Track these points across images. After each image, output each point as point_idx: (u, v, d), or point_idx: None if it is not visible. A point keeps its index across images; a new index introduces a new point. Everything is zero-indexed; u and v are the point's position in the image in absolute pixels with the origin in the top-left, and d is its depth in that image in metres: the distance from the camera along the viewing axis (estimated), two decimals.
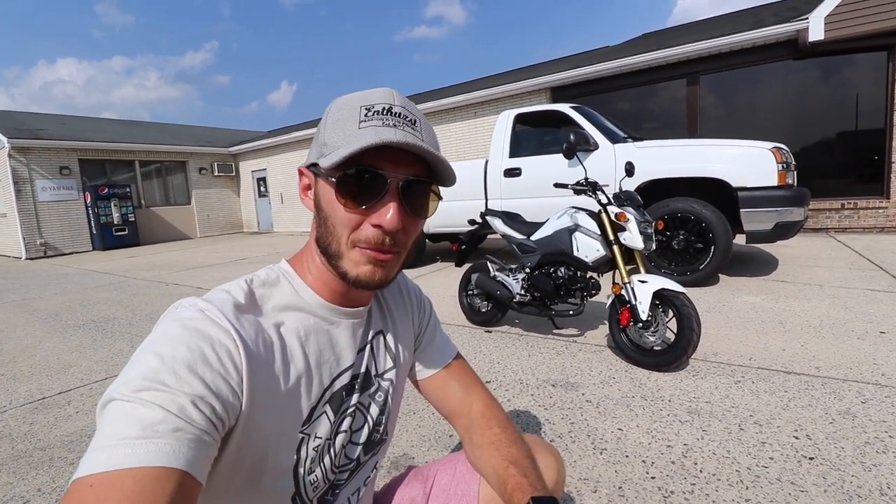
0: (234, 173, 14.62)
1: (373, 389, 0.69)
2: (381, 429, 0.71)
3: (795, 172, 4.00)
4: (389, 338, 0.72)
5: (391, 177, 0.53)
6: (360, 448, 0.67)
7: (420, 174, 0.56)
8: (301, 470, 0.58)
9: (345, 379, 0.63)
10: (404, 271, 0.72)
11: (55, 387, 2.49)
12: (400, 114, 0.54)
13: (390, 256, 0.57)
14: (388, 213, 0.53)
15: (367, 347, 0.68)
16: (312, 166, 0.58)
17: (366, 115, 0.53)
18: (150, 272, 6.77)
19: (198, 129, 17.60)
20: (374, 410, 0.69)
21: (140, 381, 0.43)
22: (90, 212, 11.15)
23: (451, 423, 0.78)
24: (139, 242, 11.71)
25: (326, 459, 0.61)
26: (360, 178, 0.53)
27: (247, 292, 0.57)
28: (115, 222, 11.23)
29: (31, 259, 10.28)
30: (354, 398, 0.65)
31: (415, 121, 0.55)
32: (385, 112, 0.53)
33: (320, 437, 0.60)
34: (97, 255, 10.37)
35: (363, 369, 0.67)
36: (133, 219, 11.59)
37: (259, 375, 0.51)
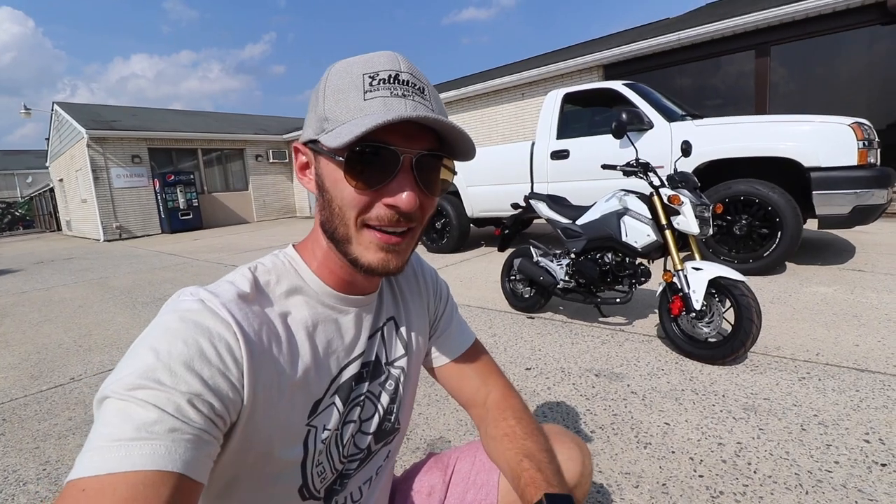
0: (287, 160, 15.13)
1: (383, 378, 0.66)
2: (393, 418, 0.69)
3: (879, 150, 3.60)
4: (402, 324, 0.70)
5: (404, 152, 0.49)
6: (370, 437, 0.65)
7: (433, 148, 0.52)
8: (308, 462, 0.56)
9: (353, 368, 0.61)
10: (437, 255, 0.69)
11: None
12: (408, 81, 0.49)
13: (402, 239, 0.53)
14: (404, 192, 0.49)
15: (378, 335, 0.66)
16: (311, 143, 0.53)
17: (370, 85, 0.48)
18: (212, 254, 7.17)
19: (254, 117, 18.31)
20: (384, 399, 0.66)
21: (134, 378, 0.41)
22: (158, 197, 11.94)
23: (467, 411, 0.76)
24: (202, 226, 12.43)
25: (334, 450, 0.60)
26: (370, 155, 0.48)
27: (251, 281, 0.54)
28: (181, 207, 11.97)
29: (108, 241, 11.17)
30: (364, 387, 0.63)
31: (423, 88, 0.50)
32: (392, 80, 0.48)
33: (329, 429, 0.58)
34: (165, 237, 11.12)
35: (373, 357, 0.65)
36: (197, 204, 12.30)
37: (261, 369, 0.49)
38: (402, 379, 0.69)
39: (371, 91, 0.48)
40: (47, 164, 18.10)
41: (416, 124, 0.49)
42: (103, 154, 11.27)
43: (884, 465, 1.34)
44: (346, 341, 0.60)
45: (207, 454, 0.43)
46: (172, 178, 11.88)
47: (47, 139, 16.23)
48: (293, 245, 0.62)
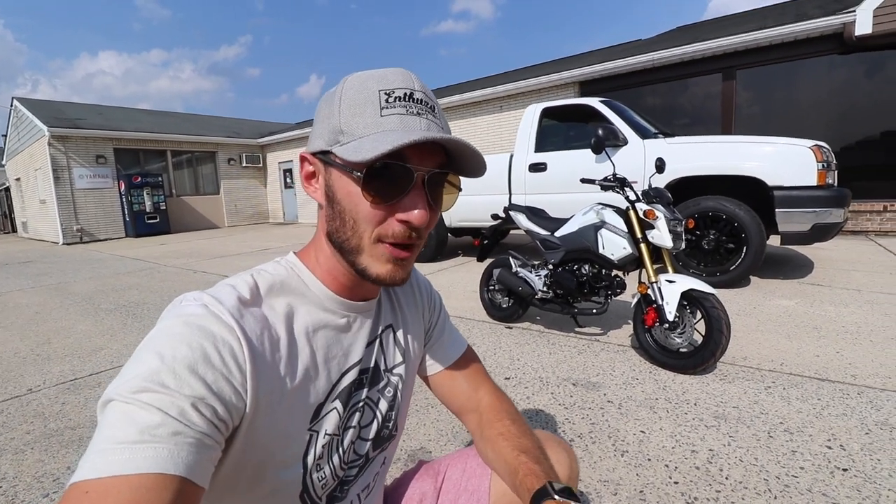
0: (261, 164, 14.88)
1: (382, 384, 0.67)
2: (391, 424, 0.69)
3: (836, 172, 3.82)
4: (399, 332, 0.71)
5: (418, 170, 0.51)
6: (368, 444, 0.66)
7: (442, 164, 0.54)
8: (309, 468, 0.56)
9: (353, 374, 0.62)
10: (419, 267, 0.71)
11: (86, 368, 2.58)
12: (421, 100, 0.51)
13: (410, 254, 0.55)
14: (416, 209, 0.51)
15: (377, 342, 0.66)
16: (321, 153, 0.54)
17: (387, 101, 0.50)
18: (180, 259, 6.96)
19: (227, 120, 17.97)
20: (383, 405, 0.67)
21: (139, 381, 0.41)
22: (123, 199, 11.54)
23: (460, 419, 0.77)
24: (170, 230, 12.07)
25: (335, 456, 0.60)
26: (387, 171, 0.49)
27: (252, 286, 0.54)
28: (148, 210, 11.59)
29: (68, 244, 10.70)
30: (363, 393, 0.64)
31: (434, 107, 0.53)
32: (407, 98, 0.50)
33: (329, 434, 0.58)
34: (130, 241, 10.72)
35: (372, 364, 0.65)
36: (164, 207, 11.94)
37: (264, 374, 0.49)
38: (399, 386, 0.70)
39: (388, 108, 0.50)
40: (3, 162, 17.27)
41: (430, 142, 0.51)
42: (65, 153, 10.83)
43: (845, 469, 1.41)
44: (345, 347, 0.61)
45: (210, 458, 0.43)
46: (139, 179, 11.50)
47: (4, 136, 15.50)
48: (294, 252, 0.62)
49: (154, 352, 0.44)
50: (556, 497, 0.54)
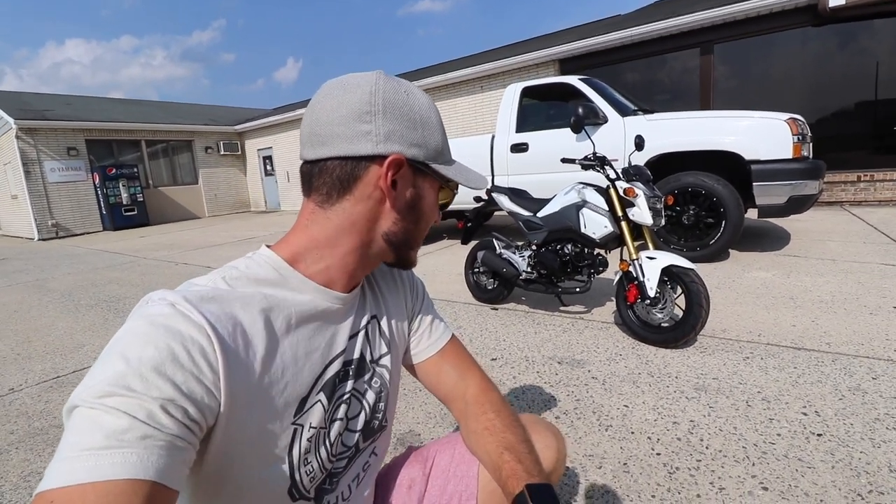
0: (239, 152, 14.56)
1: (368, 375, 0.67)
2: (381, 415, 0.70)
3: (811, 144, 3.88)
4: (384, 322, 0.71)
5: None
6: (357, 435, 0.66)
7: None
8: (295, 462, 0.56)
9: (336, 366, 0.61)
10: None
11: (69, 366, 2.54)
12: None
13: None
14: (439, 215, 0.66)
15: (362, 333, 0.66)
16: (420, 164, 0.59)
17: (443, 132, 0.62)
18: (160, 252, 6.84)
19: (203, 107, 17.49)
20: (370, 396, 0.67)
21: (104, 386, 0.40)
22: (99, 192, 11.22)
23: (447, 406, 0.77)
24: (149, 222, 11.80)
25: (322, 449, 0.60)
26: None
27: (222, 282, 0.53)
28: (124, 202, 11.30)
29: (44, 240, 10.42)
30: (349, 385, 0.64)
31: None
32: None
33: (314, 427, 0.58)
34: (108, 235, 10.49)
35: (357, 355, 0.65)
36: (142, 199, 11.65)
37: (238, 371, 0.48)
38: (386, 376, 0.70)
39: (445, 135, 0.64)
40: None
41: None
42: (35, 146, 10.46)
43: (819, 435, 1.47)
44: (327, 338, 0.60)
45: (182, 461, 0.42)
46: (114, 171, 11.16)
47: None
48: (266, 245, 0.60)
49: (119, 354, 0.42)
50: None
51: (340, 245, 0.58)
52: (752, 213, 4.02)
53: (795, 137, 3.51)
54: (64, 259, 6.88)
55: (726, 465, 1.36)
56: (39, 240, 10.43)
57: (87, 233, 11.23)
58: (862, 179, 6.19)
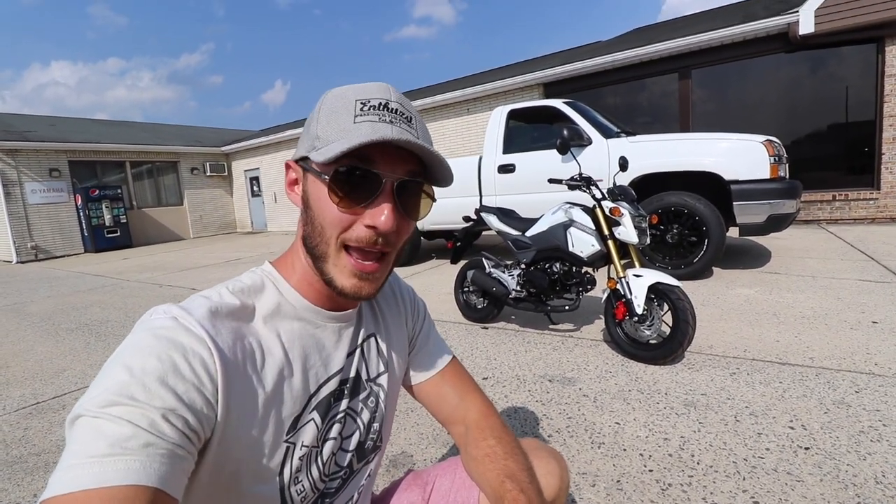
0: (226, 173, 14.51)
1: (364, 395, 0.66)
2: (376, 436, 0.69)
3: (787, 165, 4.02)
4: (381, 341, 0.70)
5: (386, 176, 0.52)
6: (351, 455, 0.65)
7: (415, 174, 0.55)
8: (286, 480, 0.56)
9: (332, 385, 0.61)
10: (398, 272, 0.71)
11: (49, 391, 2.47)
12: (396, 110, 0.53)
13: (378, 266, 0.55)
14: (383, 214, 0.51)
15: (358, 351, 0.66)
16: (302, 160, 0.55)
17: (361, 110, 0.51)
18: (144, 274, 6.72)
19: (189, 128, 17.45)
20: (365, 416, 0.66)
21: (108, 395, 0.41)
22: (81, 214, 11.04)
23: (447, 429, 0.75)
24: (132, 244, 11.62)
25: (314, 468, 0.59)
26: (354, 175, 0.51)
27: (226, 297, 0.54)
28: (107, 224, 11.13)
29: (22, 262, 10.17)
30: (344, 404, 0.63)
31: (410, 118, 0.54)
32: (381, 107, 0.52)
33: (307, 446, 0.57)
34: (89, 257, 10.28)
35: (353, 374, 0.65)
36: (125, 220, 11.49)
37: (236, 385, 0.49)
38: (382, 396, 0.69)
39: (361, 115, 0.51)
40: None
41: (401, 150, 0.52)
42: (16, 167, 10.29)
43: (807, 448, 1.49)
44: (324, 357, 0.60)
45: (182, 469, 0.43)
46: (97, 192, 11.02)
47: None
48: (269, 262, 0.62)
49: (123, 365, 0.43)
50: None
51: (299, 259, 0.60)
52: (733, 232, 4.12)
53: (772, 158, 3.64)
54: (43, 282, 6.72)
55: (717, 480, 1.37)
56: (18, 262, 10.18)
57: (68, 255, 11.00)
58: (837, 199, 6.40)
